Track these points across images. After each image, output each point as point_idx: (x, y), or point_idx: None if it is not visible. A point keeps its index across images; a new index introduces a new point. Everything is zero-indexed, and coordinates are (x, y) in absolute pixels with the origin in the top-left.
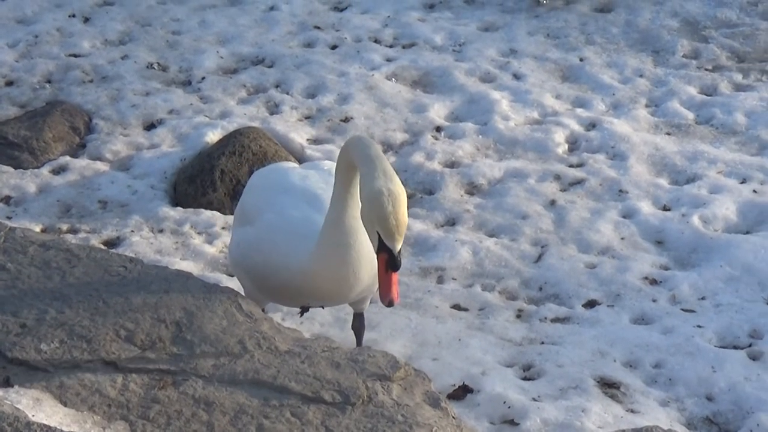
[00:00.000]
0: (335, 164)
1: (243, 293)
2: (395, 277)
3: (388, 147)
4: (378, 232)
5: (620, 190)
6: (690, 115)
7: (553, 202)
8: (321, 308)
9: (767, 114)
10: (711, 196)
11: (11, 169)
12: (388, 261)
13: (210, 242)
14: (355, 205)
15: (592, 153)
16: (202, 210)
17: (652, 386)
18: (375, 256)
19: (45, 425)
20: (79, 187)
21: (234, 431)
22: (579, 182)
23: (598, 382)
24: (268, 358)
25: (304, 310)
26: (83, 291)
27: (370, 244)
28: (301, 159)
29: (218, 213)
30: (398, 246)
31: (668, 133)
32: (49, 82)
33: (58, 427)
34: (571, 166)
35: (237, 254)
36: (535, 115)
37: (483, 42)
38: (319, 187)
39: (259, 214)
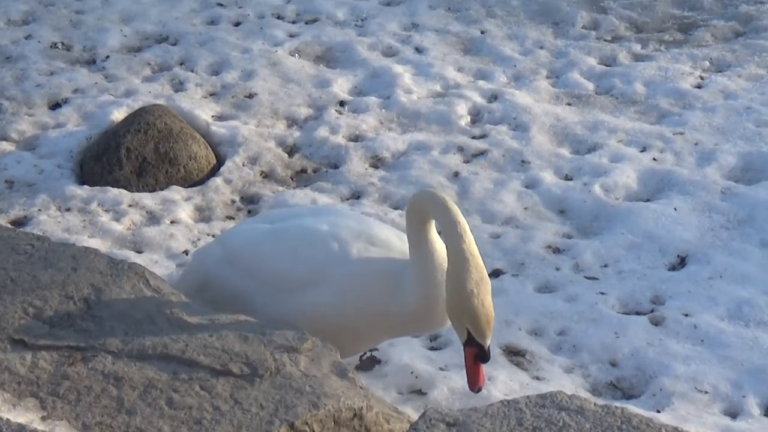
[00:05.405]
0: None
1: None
2: (482, 367)
3: (292, 122)
4: (468, 328)
5: (522, 161)
6: (590, 86)
7: (456, 174)
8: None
9: (666, 83)
10: (612, 165)
11: None
12: (478, 354)
13: (117, 220)
14: (435, 240)
15: (494, 124)
16: (109, 188)
17: (556, 353)
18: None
19: None
20: None
21: (144, 405)
22: (482, 153)
23: (503, 350)
24: (176, 332)
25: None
26: None
27: None
28: (206, 135)
29: (125, 191)
30: (489, 341)
31: (569, 104)
32: None
33: None
34: (473, 137)
35: (315, 317)
36: (438, 88)
37: (385, 16)
38: (361, 223)
39: (325, 271)
